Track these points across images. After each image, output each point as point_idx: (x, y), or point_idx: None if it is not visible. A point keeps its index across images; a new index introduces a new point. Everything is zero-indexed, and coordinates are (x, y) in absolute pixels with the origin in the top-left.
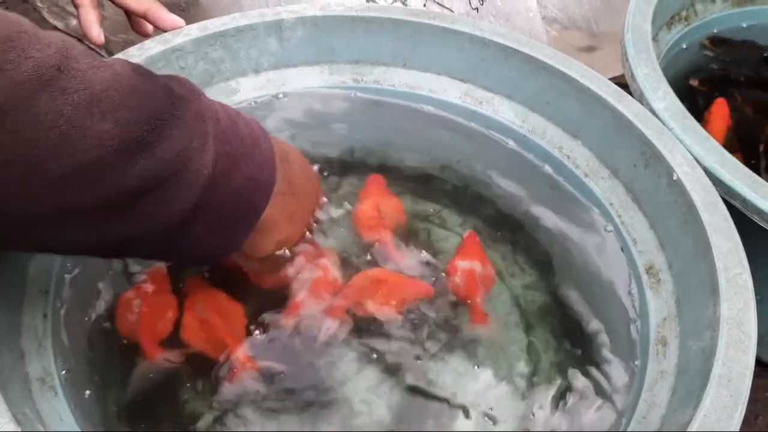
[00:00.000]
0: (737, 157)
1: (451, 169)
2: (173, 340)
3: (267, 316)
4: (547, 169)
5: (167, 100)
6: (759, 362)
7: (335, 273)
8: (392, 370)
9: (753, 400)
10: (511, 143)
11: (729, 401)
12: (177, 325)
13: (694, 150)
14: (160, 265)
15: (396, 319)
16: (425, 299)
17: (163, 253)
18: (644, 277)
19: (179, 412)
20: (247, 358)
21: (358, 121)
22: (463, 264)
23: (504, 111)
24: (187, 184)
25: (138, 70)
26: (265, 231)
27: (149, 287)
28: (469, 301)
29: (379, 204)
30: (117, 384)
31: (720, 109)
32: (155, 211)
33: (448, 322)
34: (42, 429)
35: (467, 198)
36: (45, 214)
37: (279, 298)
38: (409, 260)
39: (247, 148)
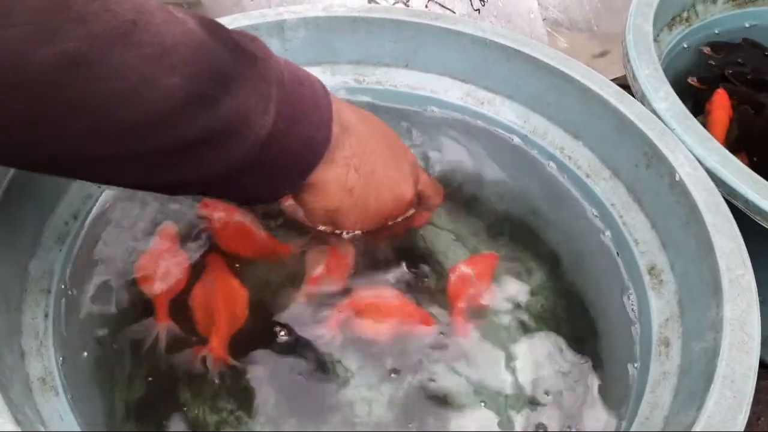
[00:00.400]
0: (741, 158)
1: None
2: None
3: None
4: (549, 169)
5: (235, 59)
6: (762, 364)
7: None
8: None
9: (756, 402)
10: (516, 140)
11: (733, 402)
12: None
13: (696, 150)
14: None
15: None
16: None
17: (215, 194)
18: (646, 278)
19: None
20: (221, 349)
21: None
22: (465, 269)
23: (505, 112)
24: (244, 142)
25: (209, 26)
26: (314, 192)
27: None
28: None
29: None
30: (121, 383)
31: (721, 100)
32: (211, 162)
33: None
34: (43, 429)
35: (465, 198)
36: (110, 157)
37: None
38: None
39: (308, 110)
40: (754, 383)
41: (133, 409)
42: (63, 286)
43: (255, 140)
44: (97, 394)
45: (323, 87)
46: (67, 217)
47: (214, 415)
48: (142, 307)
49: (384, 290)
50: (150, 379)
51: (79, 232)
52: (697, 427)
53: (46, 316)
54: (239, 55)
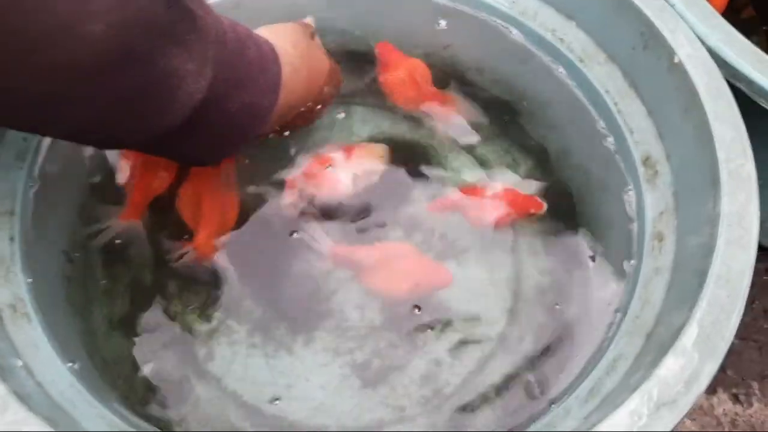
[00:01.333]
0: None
1: (437, 55)
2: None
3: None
4: (540, 54)
5: (171, 14)
6: (759, 246)
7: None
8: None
9: (751, 284)
10: (501, 25)
11: (727, 302)
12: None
13: (697, 28)
14: None
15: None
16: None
17: (152, 152)
18: (641, 170)
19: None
20: (207, 246)
21: (338, 6)
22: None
23: None
24: (177, 104)
25: None
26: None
27: None
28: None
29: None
30: (97, 299)
31: None
32: (140, 122)
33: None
34: (18, 360)
35: (456, 86)
36: (37, 99)
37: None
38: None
39: (252, 74)
40: (750, 280)
41: (116, 325)
42: (27, 206)
43: (188, 103)
44: (72, 315)
45: (273, 50)
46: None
47: (204, 324)
48: (115, 212)
49: (404, 246)
50: (130, 290)
51: (39, 147)
52: (689, 328)
53: (12, 239)
54: (176, 12)
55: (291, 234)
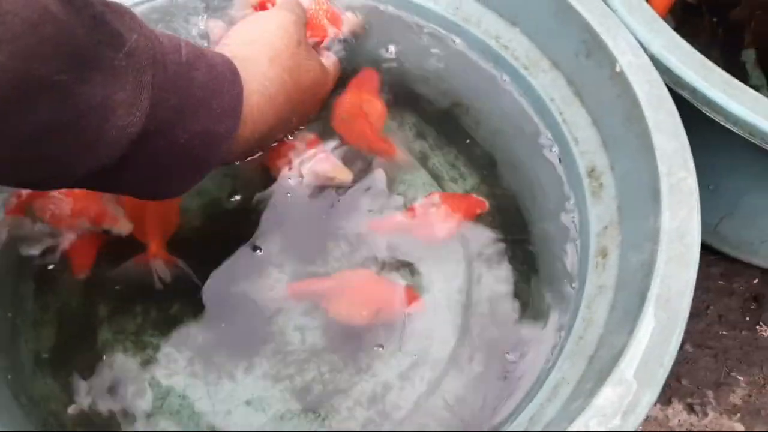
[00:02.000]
0: None
1: (381, 60)
2: None
3: None
4: (484, 61)
5: (94, 36)
6: (712, 251)
7: None
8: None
9: (705, 290)
10: (444, 33)
11: (666, 324)
12: None
13: (640, 34)
14: None
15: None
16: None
17: (94, 189)
18: (586, 181)
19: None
20: (161, 251)
21: None
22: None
23: None
24: (109, 140)
25: None
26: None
27: None
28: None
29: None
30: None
31: None
32: (66, 162)
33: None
34: None
35: (399, 95)
36: None
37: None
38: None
39: (204, 98)
40: (690, 300)
41: (43, 360)
42: None
43: (122, 138)
44: None
45: (228, 65)
46: None
47: (138, 353)
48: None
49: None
50: (60, 319)
51: None
52: (627, 353)
53: None
54: (99, 32)
55: (254, 250)
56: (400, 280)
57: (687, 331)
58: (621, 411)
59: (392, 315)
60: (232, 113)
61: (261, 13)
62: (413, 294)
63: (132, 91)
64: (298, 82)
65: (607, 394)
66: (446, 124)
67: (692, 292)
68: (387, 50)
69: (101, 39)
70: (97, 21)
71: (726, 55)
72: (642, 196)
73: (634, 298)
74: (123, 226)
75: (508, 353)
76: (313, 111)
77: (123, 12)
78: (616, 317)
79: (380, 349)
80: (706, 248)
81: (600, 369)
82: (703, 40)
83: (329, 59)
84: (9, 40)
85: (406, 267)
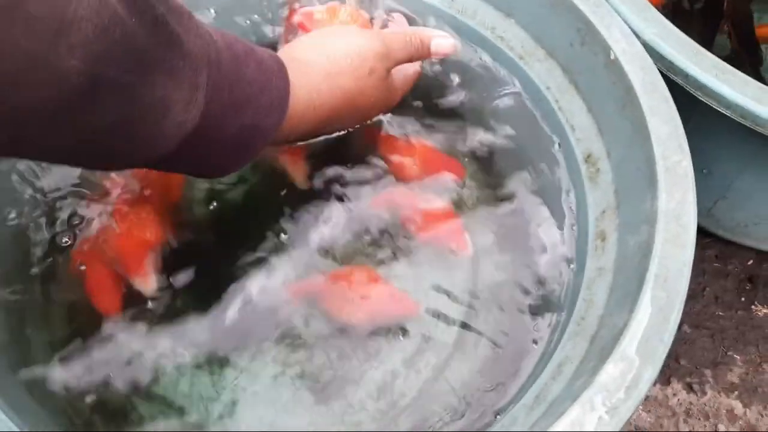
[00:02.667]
0: None
1: None
2: None
3: None
4: (480, 53)
5: (156, 38)
6: (707, 233)
7: None
8: None
9: (701, 272)
10: (439, 25)
11: (665, 303)
12: None
13: (633, 23)
14: None
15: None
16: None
17: (150, 168)
18: (583, 167)
19: None
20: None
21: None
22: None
23: None
24: (167, 135)
25: None
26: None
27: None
28: None
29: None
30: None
31: None
32: (129, 152)
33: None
34: None
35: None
36: (22, 138)
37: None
38: None
39: (252, 94)
40: (688, 279)
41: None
42: None
43: (178, 133)
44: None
45: (277, 61)
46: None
47: (149, 340)
48: None
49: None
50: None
51: None
52: (628, 332)
53: None
54: (160, 34)
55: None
56: (399, 272)
57: (684, 313)
58: (624, 386)
59: (391, 320)
60: (278, 108)
61: (346, 27)
62: (413, 304)
63: (189, 90)
64: (352, 103)
65: (610, 371)
66: (443, 113)
67: (690, 270)
68: None
69: (161, 41)
70: (158, 23)
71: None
72: (638, 180)
73: (633, 278)
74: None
75: (509, 335)
76: (358, 124)
77: (182, 12)
78: (615, 298)
79: (386, 336)
80: (701, 231)
81: (602, 347)
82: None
83: (411, 68)
84: (82, 44)
85: (407, 257)
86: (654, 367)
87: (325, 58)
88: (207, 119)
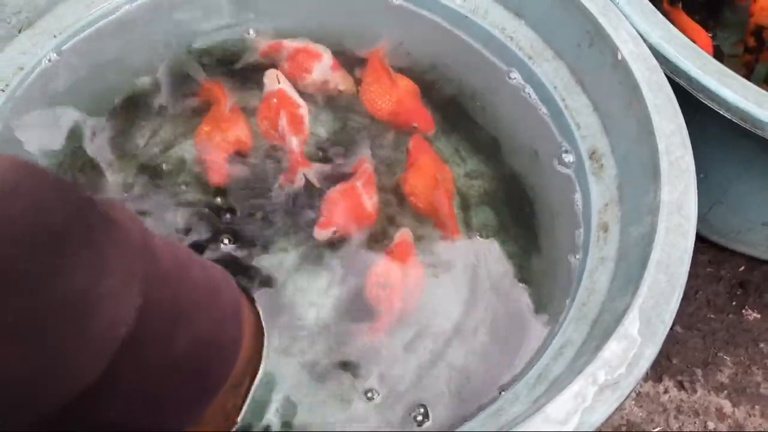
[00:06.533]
0: None
1: (397, 57)
2: None
3: None
4: (489, 52)
5: (82, 218)
6: (701, 238)
7: None
8: None
9: (694, 276)
10: (450, 25)
11: (666, 286)
12: None
13: (639, 26)
14: None
15: None
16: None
17: None
18: (587, 163)
19: None
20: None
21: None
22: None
23: None
24: (92, 345)
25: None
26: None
27: None
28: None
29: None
30: None
31: None
32: (38, 387)
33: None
34: None
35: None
36: None
37: None
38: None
39: (201, 298)
40: (689, 266)
41: None
42: None
43: (108, 338)
44: None
45: (223, 271)
46: None
47: None
48: None
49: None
50: None
51: None
52: (631, 313)
53: None
54: (91, 214)
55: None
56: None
57: (677, 314)
58: (626, 363)
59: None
60: (233, 318)
61: None
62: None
63: (122, 278)
64: None
65: (613, 348)
66: (452, 109)
67: (690, 258)
68: (396, 38)
69: (91, 222)
70: (88, 204)
71: None
72: (642, 174)
73: (635, 266)
74: None
75: (512, 320)
76: None
77: (115, 204)
78: (617, 285)
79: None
80: (695, 236)
81: (604, 330)
82: None
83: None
84: None
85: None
86: (655, 345)
87: None
88: (145, 325)
